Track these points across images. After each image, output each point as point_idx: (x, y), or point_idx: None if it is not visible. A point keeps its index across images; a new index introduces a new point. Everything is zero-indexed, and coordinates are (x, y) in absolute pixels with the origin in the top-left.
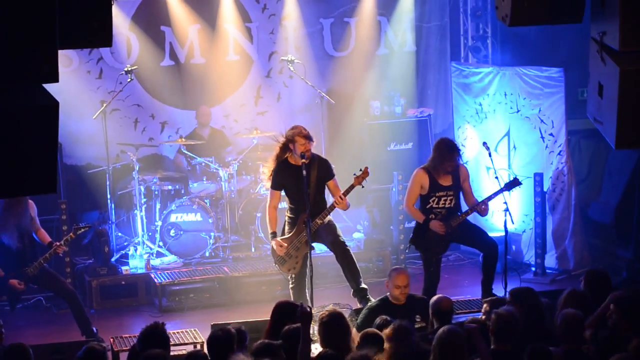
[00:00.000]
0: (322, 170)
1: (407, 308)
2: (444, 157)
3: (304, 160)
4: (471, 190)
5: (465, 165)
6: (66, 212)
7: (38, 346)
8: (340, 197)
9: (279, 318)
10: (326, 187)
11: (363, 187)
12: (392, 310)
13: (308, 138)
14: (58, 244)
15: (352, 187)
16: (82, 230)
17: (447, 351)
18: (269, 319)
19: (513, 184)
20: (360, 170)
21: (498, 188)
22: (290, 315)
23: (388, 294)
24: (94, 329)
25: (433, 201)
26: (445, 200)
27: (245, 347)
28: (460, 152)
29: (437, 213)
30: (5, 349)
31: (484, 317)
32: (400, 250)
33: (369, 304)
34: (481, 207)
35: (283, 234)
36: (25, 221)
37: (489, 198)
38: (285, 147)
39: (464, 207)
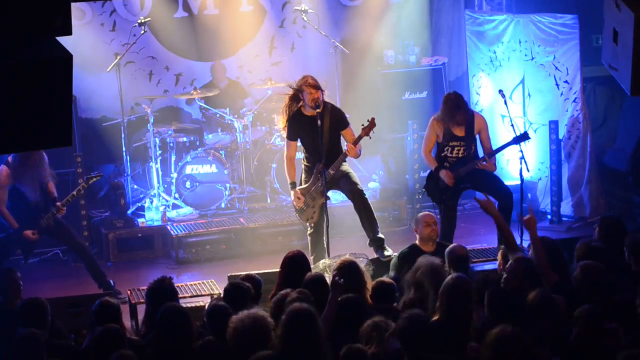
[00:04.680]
0: (335, 119)
1: (437, 255)
2: (452, 113)
3: (317, 110)
4: (488, 139)
5: (481, 114)
6: (82, 165)
7: (55, 299)
8: (350, 146)
9: (289, 270)
10: (342, 137)
11: (370, 137)
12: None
13: (316, 87)
14: (59, 204)
15: (359, 138)
16: (94, 179)
17: (454, 298)
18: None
19: (522, 137)
20: (368, 121)
21: (510, 139)
22: (299, 266)
23: (417, 240)
24: (111, 281)
25: (447, 150)
26: (459, 150)
27: (260, 296)
28: (468, 104)
29: (451, 162)
30: (22, 303)
31: (500, 268)
32: (416, 199)
33: (400, 251)
34: (482, 163)
35: (301, 183)
36: (42, 172)
37: (496, 151)
38: (295, 98)
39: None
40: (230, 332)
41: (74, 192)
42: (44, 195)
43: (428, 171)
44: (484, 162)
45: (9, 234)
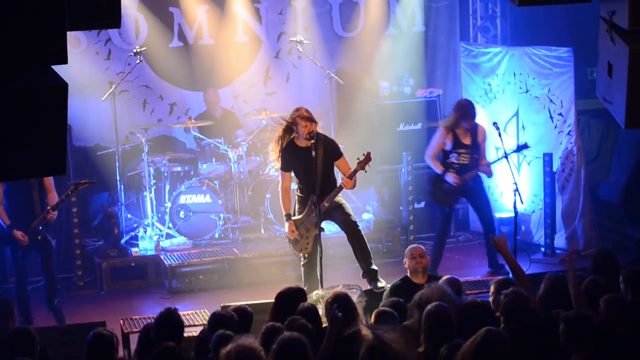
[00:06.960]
0: (328, 150)
1: None
2: (463, 116)
3: (312, 142)
4: (484, 150)
5: (483, 126)
6: (75, 194)
7: (48, 328)
8: (346, 180)
9: (281, 305)
10: (335, 167)
11: (366, 171)
12: (413, 289)
13: (309, 119)
14: (49, 207)
15: (355, 171)
16: (83, 185)
17: (435, 327)
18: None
19: (522, 147)
20: (363, 154)
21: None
22: (292, 301)
23: (408, 273)
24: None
25: (453, 157)
26: (465, 157)
27: (250, 328)
28: (476, 112)
29: (456, 168)
30: (10, 333)
31: (491, 298)
32: (410, 230)
33: (392, 283)
34: (485, 168)
35: (294, 213)
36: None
37: (499, 159)
38: (288, 129)
39: None
40: None
41: (63, 197)
42: (40, 202)
43: (423, 204)
44: (486, 168)
45: (2, 229)
